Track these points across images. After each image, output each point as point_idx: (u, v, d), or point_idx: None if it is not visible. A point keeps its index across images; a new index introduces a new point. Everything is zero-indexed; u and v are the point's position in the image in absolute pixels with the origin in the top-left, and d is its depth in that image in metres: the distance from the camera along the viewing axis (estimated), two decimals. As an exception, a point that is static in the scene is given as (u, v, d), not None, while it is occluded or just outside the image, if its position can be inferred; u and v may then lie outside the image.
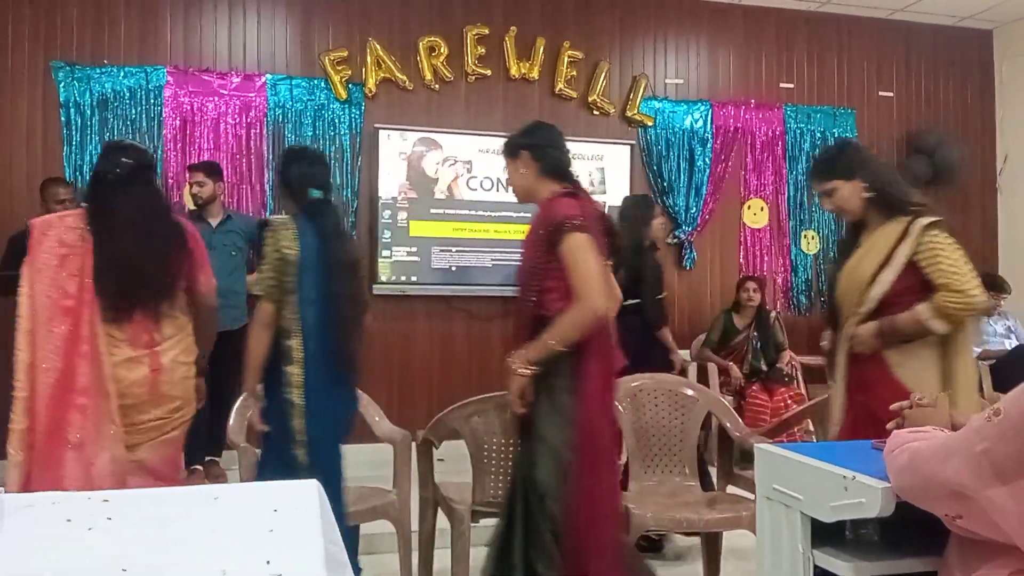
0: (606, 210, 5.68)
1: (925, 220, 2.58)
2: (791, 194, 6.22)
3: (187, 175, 4.80)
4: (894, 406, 1.91)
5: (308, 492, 1.50)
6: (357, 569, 2.49)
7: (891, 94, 6.45)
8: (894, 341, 2.52)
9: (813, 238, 6.26)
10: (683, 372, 5.12)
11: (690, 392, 3.35)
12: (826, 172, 2.72)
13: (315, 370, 2.61)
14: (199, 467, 4.46)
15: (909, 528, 1.68)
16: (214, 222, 4.68)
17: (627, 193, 5.75)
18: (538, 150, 2.62)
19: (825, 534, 1.76)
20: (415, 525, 3.13)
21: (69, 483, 2.26)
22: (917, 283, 2.53)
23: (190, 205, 4.92)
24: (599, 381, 2.46)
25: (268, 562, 1.15)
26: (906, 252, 2.55)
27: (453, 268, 5.48)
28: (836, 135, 6.28)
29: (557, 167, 2.61)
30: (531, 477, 2.39)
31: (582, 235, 2.43)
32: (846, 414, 2.58)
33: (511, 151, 2.66)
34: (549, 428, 2.39)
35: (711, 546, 3.18)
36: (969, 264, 2.57)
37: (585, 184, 5.60)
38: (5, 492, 1.40)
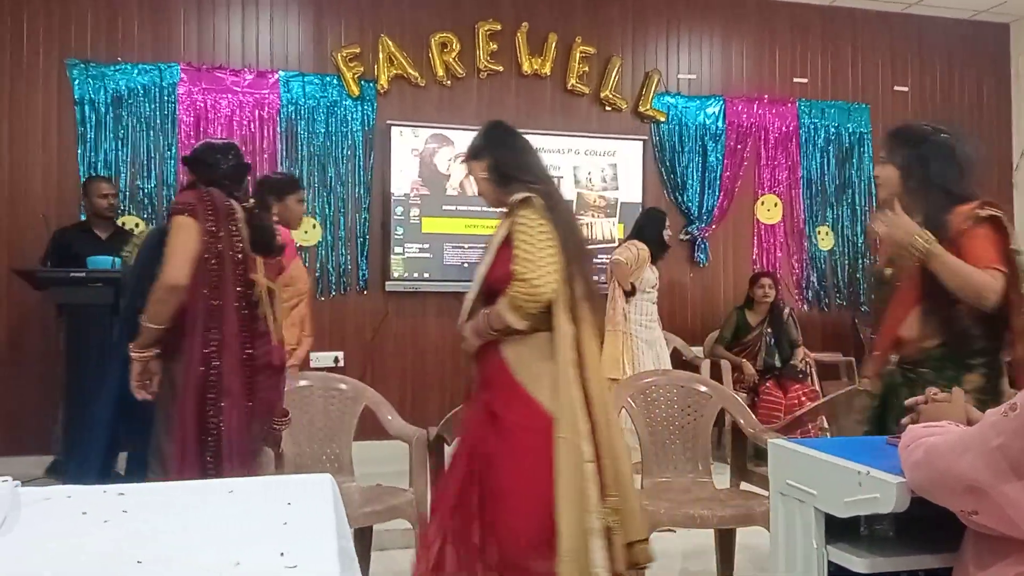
0: (618, 207, 5.70)
1: (520, 195, 2.40)
2: (805, 190, 6.19)
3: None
4: (908, 401, 1.89)
5: (322, 486, 1.50)
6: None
7: (906, 89, 6.41)
8: (490, 336, 2.38)
9: (828, 234, 6.23)
10: (696, 368, 5.14)
11: (703, 389, 3.34)
12: None
13: None
14: None
15: (924, 524, 1.67)
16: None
17: (640, 189, 5.76)
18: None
19: (839, 530, 1.75)
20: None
21: None
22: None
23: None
24: (200, 364, 2.38)
25: (282, 554, 1.15)
26: (502, 233, 2.41)
27: (465, 264, 5.48)
28: (851, 130, 6.24)
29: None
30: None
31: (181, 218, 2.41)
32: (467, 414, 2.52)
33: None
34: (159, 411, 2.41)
35: (725, 543, 3.18)
36: (551, 248, 2.33)
37: (597, 181, 5.68)
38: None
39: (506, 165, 2.53)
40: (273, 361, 2.57)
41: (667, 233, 5.00)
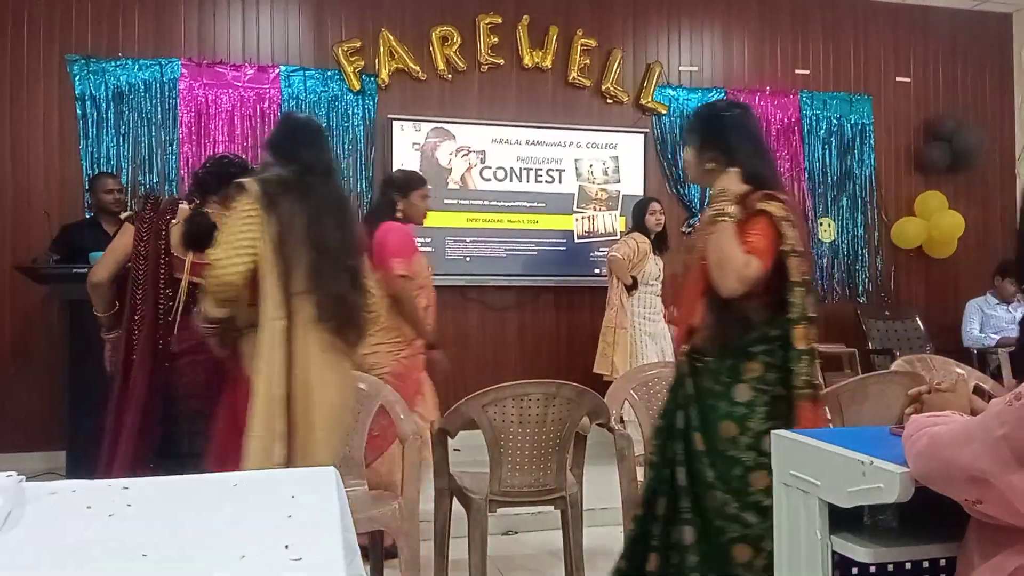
0: (620, 200, 5.69)
1: (240, 181, 2.36)
2: (807, 181, 6.18)
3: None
4: (911, 391, 1.89)
5: (326, 478, 1.50)
6: None
7: (908, 79, 6.39)
8: (207, 329, 2.37)
9: (830, 225, 6.22)
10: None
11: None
12: None
13: None
14: None
15: (928, 514, 1.66)
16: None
17: (641, 182, 5.75)
18: None
19: (843, 520, 1.74)
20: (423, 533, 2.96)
21: None
22: None
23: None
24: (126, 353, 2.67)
25: (287, 547, 1.16)
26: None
27: (467, 258, 5.48)
28: (853, 121, 6.23)
29: None
30: None
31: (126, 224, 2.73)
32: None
33: None
34: None
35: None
36: (249, 234, 2.26)
37: (598, 174, 5.67)
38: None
39: (275, 150, 2.49)
40: (171, 347, 2.66)
41: (655, 219, 4.88)
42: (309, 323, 2.28)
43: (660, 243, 4.91)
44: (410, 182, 3.76)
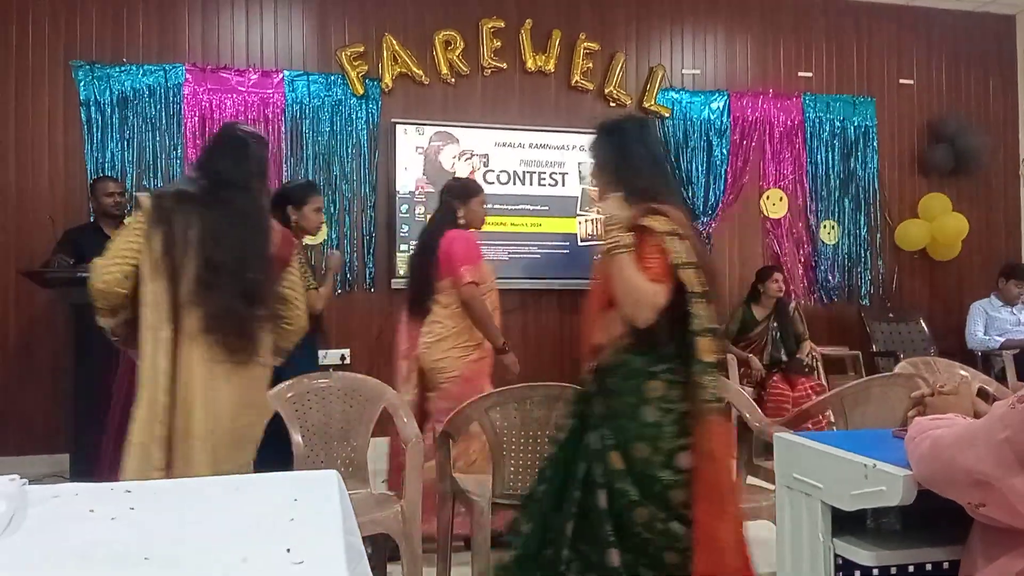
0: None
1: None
2: (811, 184, 6.17)
3: None
4: (914, 394, 1.89)
5: (328, 482, 1.51)
6: None
7: (911, 82, 6.38)
8: (113, 338, 2.49)
9: (833, 228, 6.21)
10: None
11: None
12: None
13: None
14: None
15: (931, 517, 1.66)
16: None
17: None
18: None
19: (846, 523, 1.74)
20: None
21: None
22: None
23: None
24: None
25: (289, 550, 1.16)
26: None
27: (471, 262, 5.48)
28: (856, 124, 6.23)
29: None
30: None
31: None
32: None
33: None
34: None
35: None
36: (129, 243, 2.34)
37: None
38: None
39: (195, 161, 2.57)
40: None
41: None
42: (195, 334, 2.31)
43: None
44: (469, 190, 3.86)
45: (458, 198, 3.75)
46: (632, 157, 2.30)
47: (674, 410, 2.17)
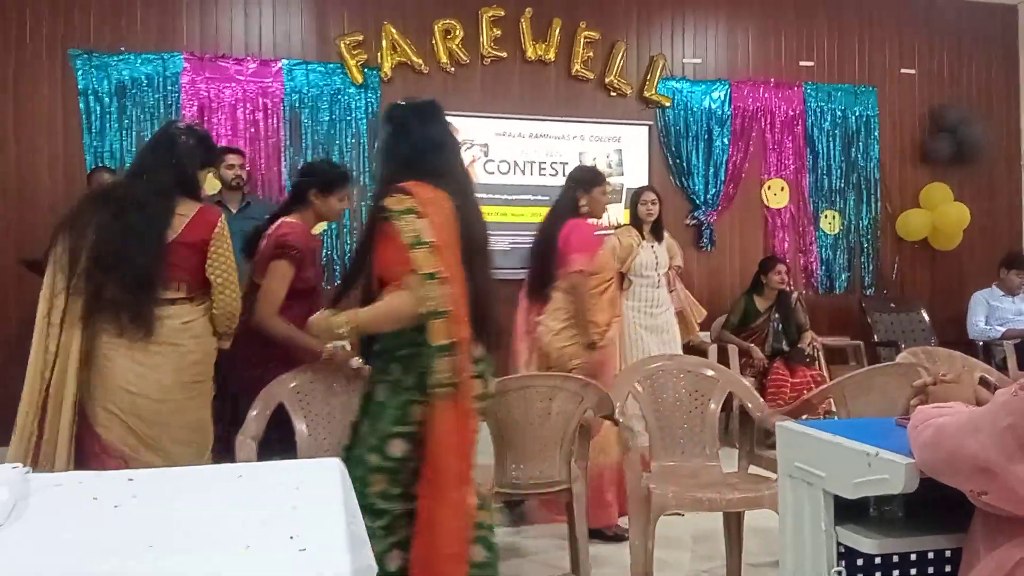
0: (624, 193, 5.68)
1: None
2: (812, 174, 6.16)
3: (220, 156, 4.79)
4: (916, 383, 1.89)
5: (330, 470, 1.51)
6: None
7: (913, 71, 6.36)
8: None
9: (834, 218, 6.20)
10: (703, 353, 5.08)
11: (710, 373, 3.33)
12: None
13: None
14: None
15: (933, 505, 1.66)
16: (234, 208, 4.70)
17: (645, 175, 5.74)
18: None
19: (848, 512, 1.74)
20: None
21: None
22: None
23: (210, 190, 4.94)
24: None
25: (292, 538, 1.16)
26: None
27: (471, 251, 5.47)
28: (857, 113, 6.21)
29: None
30: None
31: None
32: None
33: None
34: None
35: (733, 526, 3.18)
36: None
37: (602, 167, 5.65)
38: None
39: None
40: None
41: (645, 209, 4.69)
42: (76, 320, 2.49)
43: (660, 231, 4.78)
44: (593, 178, 3.88)
45: (581, 186, 3.79)
46: (401, 141, 2.34)
47: (402, 394, 2.18)
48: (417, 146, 2.32)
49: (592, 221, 3.87)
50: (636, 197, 4.81)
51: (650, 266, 4.66)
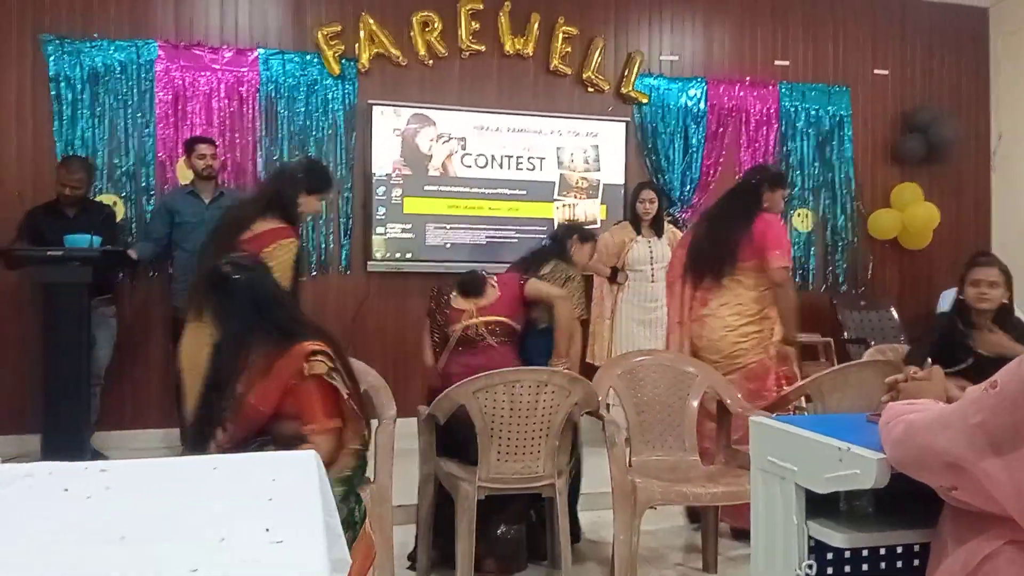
0: (600, 188, 5.70)
1: None
2: (786, 172, 6.20)
3: (187, 148, 4.74)
4: (888, 379, 1.92)
5: (306, 462, 1.50)
6: None
7: (886, 72, 6.43)
8: None
9: (807, 216, 6.26)
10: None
11: (689, 368, 3.36)
12: None
13: None
14: None
15: (903, 499, 1.69)
16: (207, 199, 4.66)
17: (622, 171, 5.75)
18: None
19: (819, 506, 1.77)
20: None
21: None
22: None
23: (183, 180, 4.89)
24: None
25: (267, 530, 1.15)
26: None
27: (448, 245, 5.47)
28: (831, 113, 6.27)
29: None
30: None
31: None
32: None
33: None
34: None
35: (711, 519, 3.22)
36: None
37: (579, 163, 5.66)
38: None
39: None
40: None
41: (643, 207, 4.83)
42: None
43: (659, 226, 4.86)
44: (781, 180, 3.92)
45: (769, 184, 3.76)
46: None
47: None
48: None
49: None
50: (635, 194, 4.92)
51: (643, 261, 4.73)
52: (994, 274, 2.95)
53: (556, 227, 4.06)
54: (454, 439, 3.02)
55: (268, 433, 2.29)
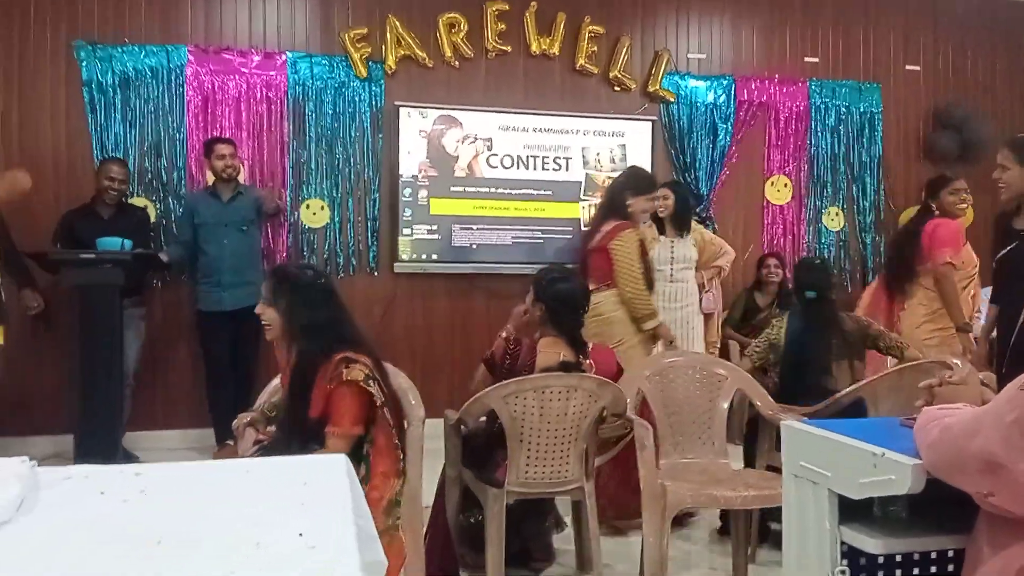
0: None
1: None
2: (815, 170, 6.15)
3: (207, 149, 4.81)
4: (923, 384, 1.89)
5: (337, 466, 1.51)
6: None
7: (918, 68, 6.34)
8: None
9: (837, 214, 6.20)
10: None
11: (720, 370, 3.33)
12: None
13: None
14: (230, 442, 4.52)
15: (937, 505, 1.66)
16: (225, 198, 4.72)
17: (649, 169, 5.69)
18: None
19: (852, 511, 1.75)
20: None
21: None
22: None
23: (208, 181, 4.95)
24: None
25: (301, 534, 1.16)
26: None
27: (474, 246, 5.48)
28: (861, 110, 6.20)
29: None
30: None
31: None
32: None
33: None
34: None
35: (741, 524, 3.19)
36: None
37: (606, 162, 5.64)
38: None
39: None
40: None
41: (656, 203, 4.50)
42: None
43: (680, 225, 4.68)
44: (945, 183, 4.50)
45: (933, 190, 4.43)
46: None
47: None
48: None
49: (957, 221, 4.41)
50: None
51: (664, 261, 4.61)
52: None
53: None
54: (469, 448, 3.02)
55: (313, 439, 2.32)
